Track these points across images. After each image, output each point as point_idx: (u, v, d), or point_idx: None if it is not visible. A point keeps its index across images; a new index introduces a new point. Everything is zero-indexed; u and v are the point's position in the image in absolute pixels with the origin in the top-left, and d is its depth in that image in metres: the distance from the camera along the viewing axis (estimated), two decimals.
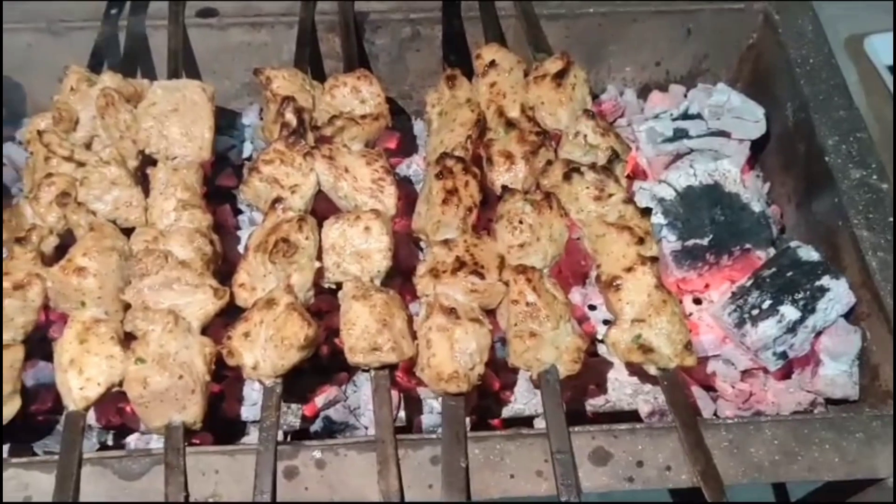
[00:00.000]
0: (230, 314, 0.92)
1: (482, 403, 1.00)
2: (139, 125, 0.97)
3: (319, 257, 0.92)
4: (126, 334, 0.88)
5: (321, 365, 1.04)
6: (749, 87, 1.21)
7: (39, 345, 0.97)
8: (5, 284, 0.85)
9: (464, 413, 0.84)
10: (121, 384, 0.84)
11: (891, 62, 1.72)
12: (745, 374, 1.03)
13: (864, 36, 1.78)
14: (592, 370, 1.02)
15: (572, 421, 0.85)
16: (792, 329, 0.95)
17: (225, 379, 1.00)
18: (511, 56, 1.06)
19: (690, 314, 1.06)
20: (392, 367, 0.88)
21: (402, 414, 0.99)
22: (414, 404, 1.00)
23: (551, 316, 0.87)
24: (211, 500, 0.81)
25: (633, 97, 1.26)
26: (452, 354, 0.84)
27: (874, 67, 1.71)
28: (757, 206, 1.05)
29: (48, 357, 0.94)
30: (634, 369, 0.98)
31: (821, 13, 1.87)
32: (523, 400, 1.01)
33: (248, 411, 0.98)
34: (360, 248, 0.91)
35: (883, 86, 1.70)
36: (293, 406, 0.99)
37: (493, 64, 1.05)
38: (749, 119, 1.12)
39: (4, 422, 0.85)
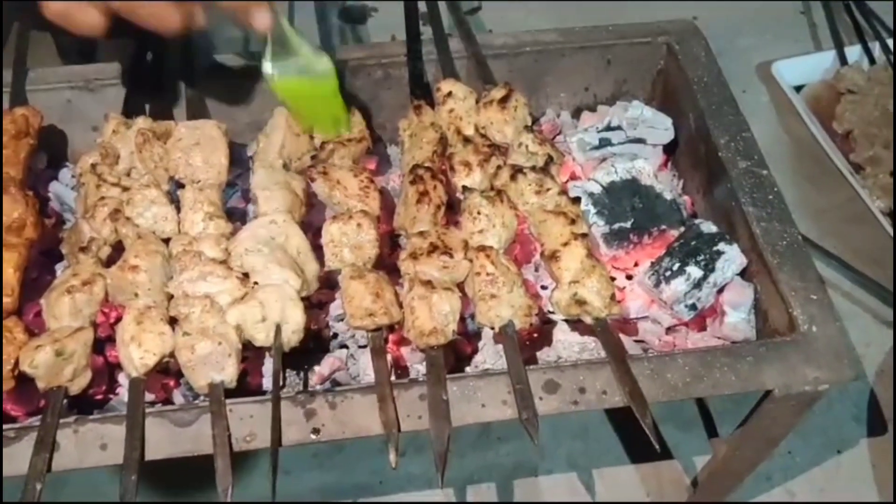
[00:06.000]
0: None
1: (458, 366, 1.23)
2: (169, 157, 1.21)
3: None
4: (171, 319, 1.10)
5: (324, 346, 1.26)
6: (661, 103, 1.47)
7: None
8: (76, 282, 1.08)
9: (443, 360, 1.07)
10: (171, 355, 1.06)
11: (795, 84, 2.03)
12: (670, 330, 1.27)
13: (772, 62, 2.09)
14: (545, 337, 1.26)
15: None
16: (697, 285, 1.19)
17: (246, 359, 1.22)
18: (464, 87, 1.32)
19: (623, 287, 1.30)
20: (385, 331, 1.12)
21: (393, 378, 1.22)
22: (403, 372, 1.23)
23: (506, 282, 1.10)
24: (248, 438, 1.03)
25: (568, 118, 1.52)
26: (431, 315, 1.07)
27: (781, 88, 2.02)
28: (669, 195, 1.31)
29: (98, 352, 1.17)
30: (576, 325, 1.22)
31: (735, 44, 2.20)
32: (490, 361, 1.24)
33: (268, 382, 1.20)
34: (353, 241, 1.15)
35: (789, 103, 2.01)
36: (303, 376, 1.22)
37: (450, 94, 1.31)
38: (660, 127, 1.38)
39: (78, 392, 1.07)
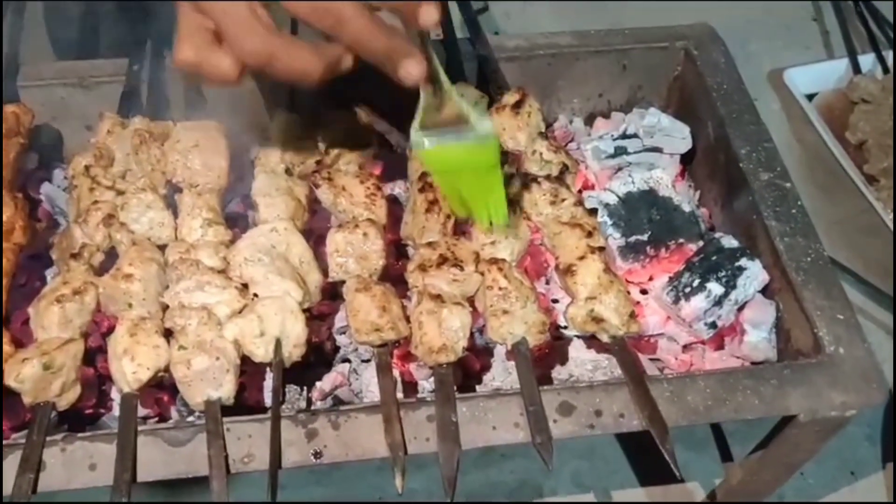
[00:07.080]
0: None
1: (466, 383, 1.18)
2: (167, 159, 1.15)
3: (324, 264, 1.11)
4: (166, 331, 1.04)
5: (326, 359, 1.21)
6: (678, 111, 1.42)
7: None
8: (66, 291, 1.02)
9: (452, 379, 1.02)
10: (166, 369, 1.01)
11: (807, 92, 1.99)
12: (686, 348, 1.22)
13: (783, 69, 2.05)
14: (557, 352, 1.21)
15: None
16: (718, 302, 1.14)
17: (244, 373, 1.16)
18: (475, 91, 1.27)
19: (638, 302, 1.25)
20: (391, 347, 1.06)
21: (399, 395, 1.16)
22: (409, 387, 1.18)
23: (520, 297, 1.05)
24: (245, 459, 0.97)
25: (580, 124, 1.47)
26: (441, 331, 1.02)
27: (793, 96, 1.98)
28: (687, 207, 1.26)
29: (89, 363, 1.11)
30: (591, 342, 1.16)
31: (744, 50, 2.14)
32: (500, 378, 1.19)
33: (268, 398, 1.14)
34: (359, 251, 1.10)
35: (801, 112, 1.97)
36: (304, 392, 1.17)
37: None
38: (677, 136, 1.33)
39: (66, 407, 1.01)
